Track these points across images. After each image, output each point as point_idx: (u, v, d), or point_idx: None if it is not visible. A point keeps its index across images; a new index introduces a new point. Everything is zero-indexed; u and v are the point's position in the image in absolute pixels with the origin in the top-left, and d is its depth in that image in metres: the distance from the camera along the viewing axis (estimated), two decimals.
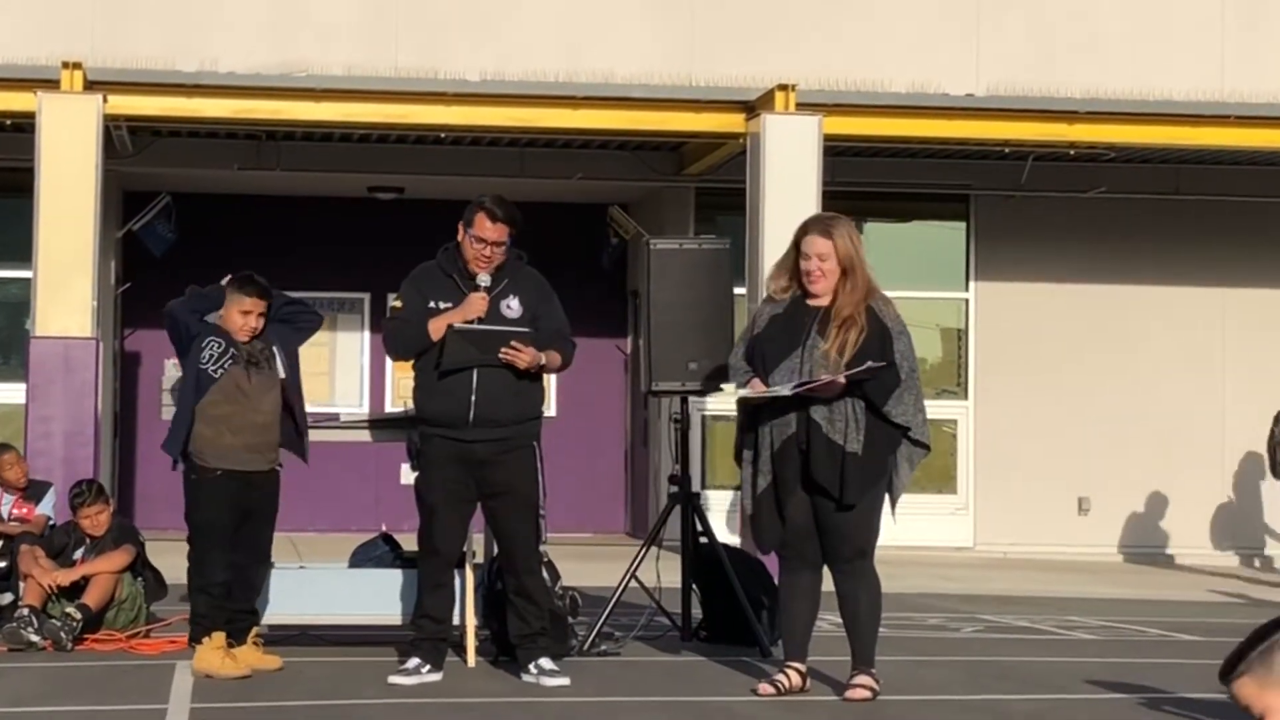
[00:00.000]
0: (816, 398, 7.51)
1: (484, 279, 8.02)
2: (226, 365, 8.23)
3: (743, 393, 7.69)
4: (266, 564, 8.61)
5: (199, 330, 8.33)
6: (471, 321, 7.95)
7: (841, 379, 7.47)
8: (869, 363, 7.47)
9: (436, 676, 7.98)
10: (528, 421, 8.03)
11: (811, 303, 7.69)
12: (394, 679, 7.92)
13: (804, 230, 7.76)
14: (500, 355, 7.87)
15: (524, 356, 7.88)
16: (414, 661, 7.98)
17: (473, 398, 7.90)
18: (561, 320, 8.15)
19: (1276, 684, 3.32)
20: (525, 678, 7.97)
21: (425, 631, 8.04)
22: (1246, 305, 17.54)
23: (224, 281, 8.47)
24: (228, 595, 8.24)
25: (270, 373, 8.36)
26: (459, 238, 8.12)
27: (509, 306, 8.03)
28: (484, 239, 7.99)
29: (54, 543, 9.67)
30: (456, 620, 8.69)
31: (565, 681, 7.87)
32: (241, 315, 8.30)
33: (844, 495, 7.50)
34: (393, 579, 9.07)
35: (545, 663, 7.96)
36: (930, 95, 15.58)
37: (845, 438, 7.50)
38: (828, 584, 7.73)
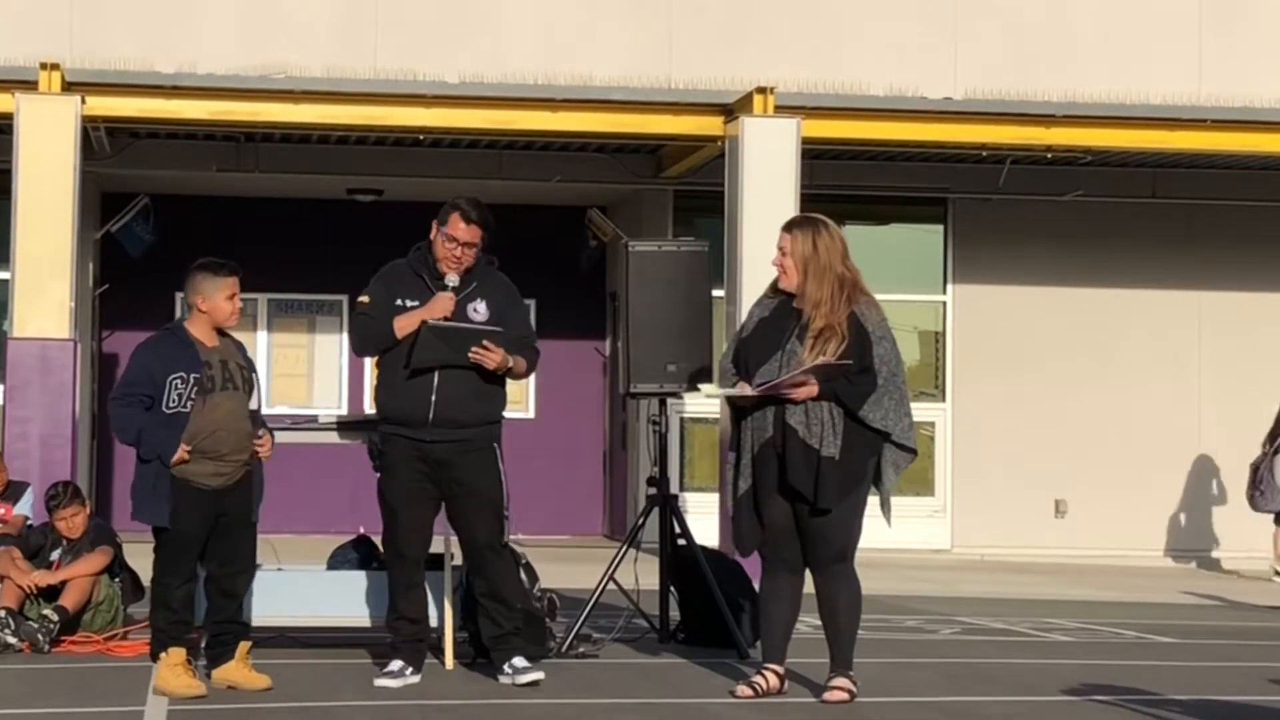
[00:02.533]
0: (793, 401, 7.51)
1: (452, 279, 8.01)
2: (193, 395, 7.80)
3: (719, 391, 7.71)
4: (250, 572, 8.23)
5: (161, 378, 7.81)
6: (445, 318, 7.96)
7: (798, 376, 7.44)
8: (819, 360, 7.44)
9: (416, 678, 7.98)
10: (489, 424, 8.03)
11: (796, 304, 7.69)
12: (381, 682, 7.90)
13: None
14: (470, 355, 7.87)
15: (494, 357, 7.88)
16: (397, 664, 7.97)
17: (433, 398, 7.90)
18: (528, 328, 8.18)
19: None
20: (501, 679, 7.98)
21: (403, 633, 8.04)
22: (1223, 308, 17.61)
23: (195, 279, 7.96)
24: (189, 608, 7.92)
25: (240, 395, 7.93)
26: (431, 236, 8.13)
27: (476, 309, 8.04)
28: (455, 239, 7.99)
29: (31, 543, 9.64)
30: (434, 622, 8.71)
31: (539, 676, 7.87)
32: (229, 301, 7.95)
33: (819, 500, 7.48)
34: (370, 581, 9.07)
35: (519, 661, 7.96)
36: (908, 99, 15.62)
37: (821, 442, 7.48)
38: (809, 587, 7.73)
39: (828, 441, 7.48)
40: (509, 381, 8.16)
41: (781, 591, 7.67)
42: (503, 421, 8.15)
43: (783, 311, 7.71)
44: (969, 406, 17.32)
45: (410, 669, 7.96)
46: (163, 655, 7.76)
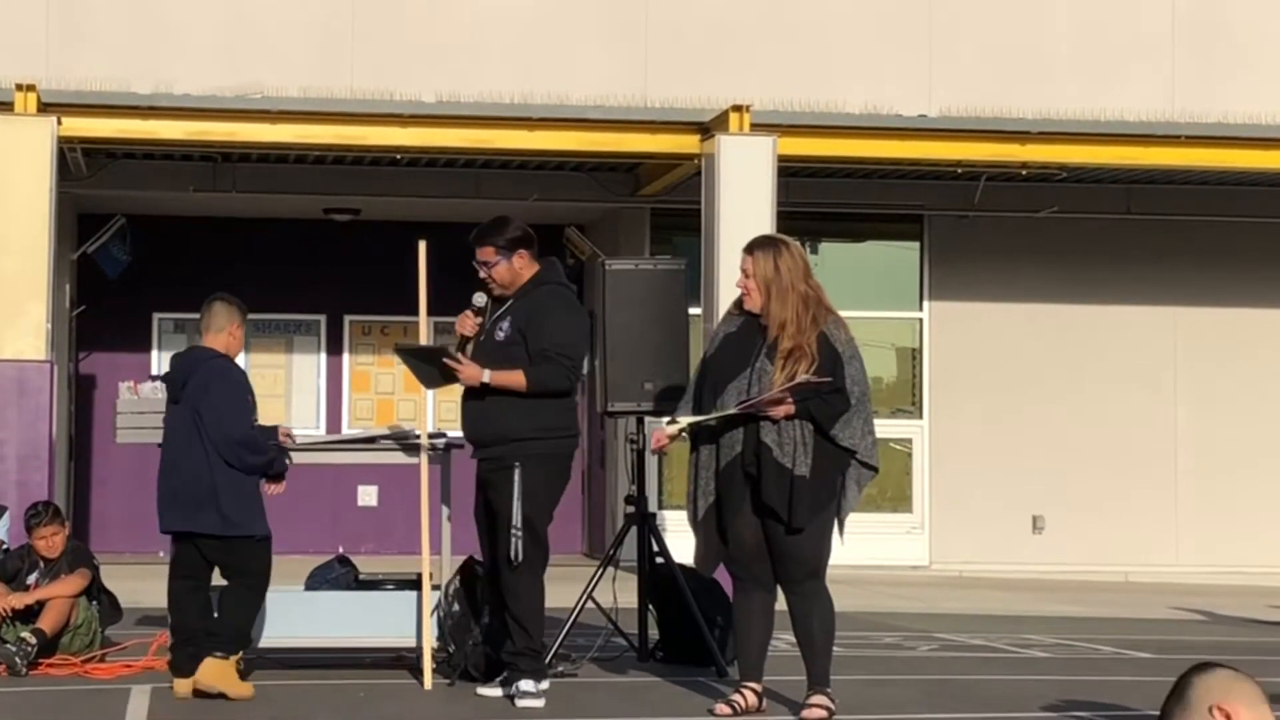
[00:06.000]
0: (765, 419, 7.51)
1: (479, 300, 8.17)
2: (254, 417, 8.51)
3: (697, 419, 7.70)
4: None
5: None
6: (460, 339, 8.15)
7: (777, 394, 7.44)
8: (802, 377, 7.44)
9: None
10: (513, 442, 7.98)
11: (763, 321, 7.70)
12: (481, 690, 8.16)
13: None
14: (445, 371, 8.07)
15: (462, 370, 8.01)
16: (504, 675, 8.12)
17: (467, 418, 8.12)
18: (550, 340, 8.05)
19: (1194, 712, 3.35)
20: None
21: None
22: (1197, 324, 17.68)
23: (214, 310, 8.49)
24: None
25: None
26: None
27: (500, 329, 8.12)
28: (477, 260, 8.18)
29: (7, 568, 9.60)
30: (412, 642, 8.72)
31: (534, 704, 7.85)
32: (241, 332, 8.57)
33: (793, 519, 7.47)
34: (349, 601, 9.06)
35: (523, 684, 7.93)
36: (884, 116, 15.67)
37: (794, 461, 7.48)
38: (782, 604, 7.74)
39: (800, 461, 7.49)
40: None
41: (754, 609, 7.67)
42: (537, 440, 8.01)
43: (750, 329, 7.71)
44: (946, 423, 17.35)
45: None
46: (233, 658, 8.12)
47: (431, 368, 8.13)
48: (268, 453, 8.33)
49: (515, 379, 8.00)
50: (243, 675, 8.17)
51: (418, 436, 8.87)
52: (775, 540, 7.57)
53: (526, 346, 8.00)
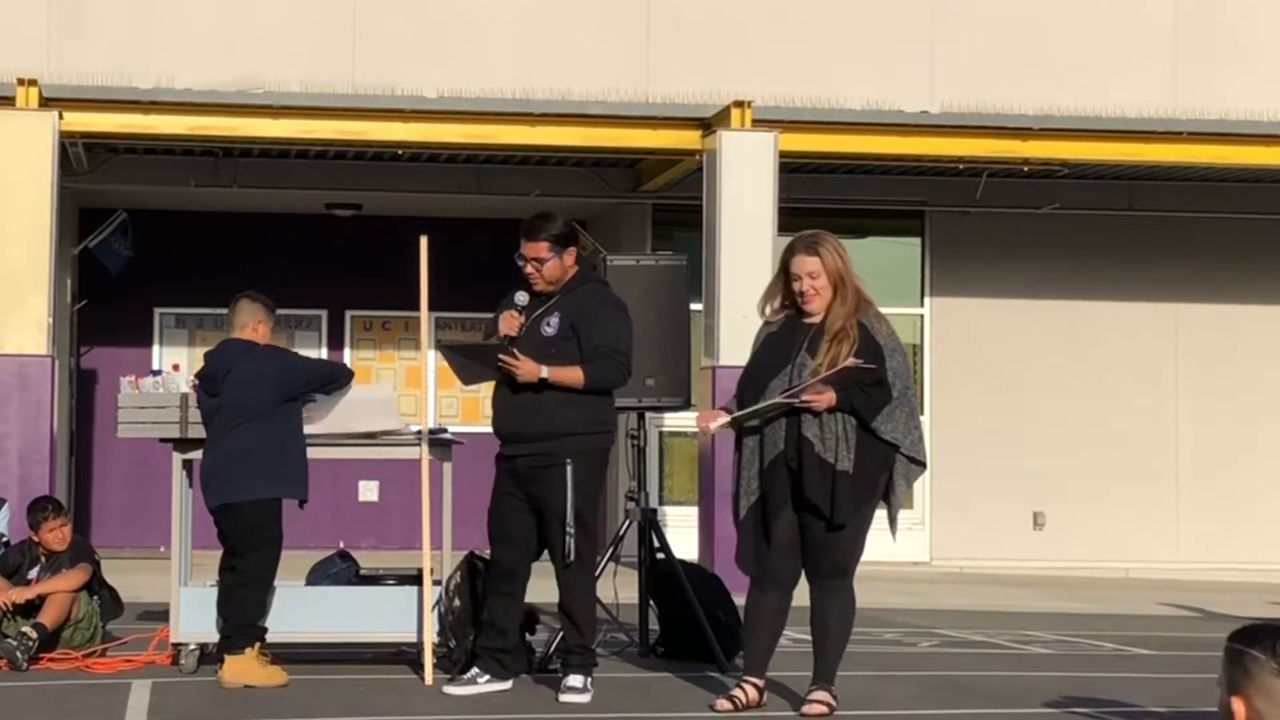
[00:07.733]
0: (807, 413, 7.48)
1: (521, 297, 8.08)
2: None
3: (744, 411, 7.67)
4: None
5: None
6: (503, 338, 8.00)
7: (824, 379, 7.40)
8: (849, 361, 7.41)
9: (498, 686, 7.99)
10: (561, 438, 7.90)
11: (806, 320, 7.66)
12: (450, 689, 8.00)
13: (791, 251, 7.69)
14: (501, 368, 7.92)
15: (518, 366, 7.86)
16: (472, 671, 8.04)
17: (507, 413, 8.00)
18: (603, 337, 7.97)
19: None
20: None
21: (488, 640, 8.06)
22: (1198, 320, 17.68)
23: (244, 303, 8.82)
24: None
25: None
26: None
27: (548, 324, 8.03)
28: (524, 255, 8.06)
29: (8, 562, 9.61)
30: (413, 637, 8.73)
31: (581, 700, 7.84)
32: None
33: (834, 515, 7.41)
34: (350, 596, 9.07)
35: (571, 680, 7.93)
36: (885, 112, 15.67)
37: (836, 456, 7.41)
38: (800, 600, 7.71)
39: (842, 455, 7.42)
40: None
41: (770, 608, 7.61)
42: (589, 435, 7.97)
43: (791, 327, 7.67)
44: (947, 419, 17.36)
45: (486, 677, 8.00)
46: (248, 650, 8.27)
47: (477, 364, 8.04)
48: (338, 370, 9.03)
49: (574, 375, 7.91)
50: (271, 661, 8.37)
51: (418, 432, 8.87)
52: (811, 535, 7.50)
53: (579, 343, 7.94)
